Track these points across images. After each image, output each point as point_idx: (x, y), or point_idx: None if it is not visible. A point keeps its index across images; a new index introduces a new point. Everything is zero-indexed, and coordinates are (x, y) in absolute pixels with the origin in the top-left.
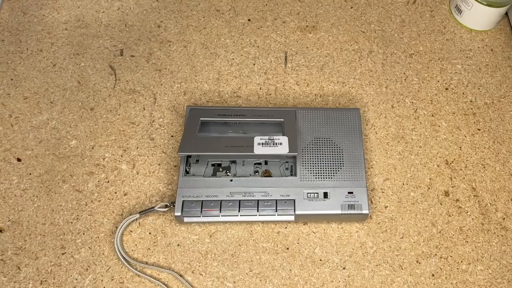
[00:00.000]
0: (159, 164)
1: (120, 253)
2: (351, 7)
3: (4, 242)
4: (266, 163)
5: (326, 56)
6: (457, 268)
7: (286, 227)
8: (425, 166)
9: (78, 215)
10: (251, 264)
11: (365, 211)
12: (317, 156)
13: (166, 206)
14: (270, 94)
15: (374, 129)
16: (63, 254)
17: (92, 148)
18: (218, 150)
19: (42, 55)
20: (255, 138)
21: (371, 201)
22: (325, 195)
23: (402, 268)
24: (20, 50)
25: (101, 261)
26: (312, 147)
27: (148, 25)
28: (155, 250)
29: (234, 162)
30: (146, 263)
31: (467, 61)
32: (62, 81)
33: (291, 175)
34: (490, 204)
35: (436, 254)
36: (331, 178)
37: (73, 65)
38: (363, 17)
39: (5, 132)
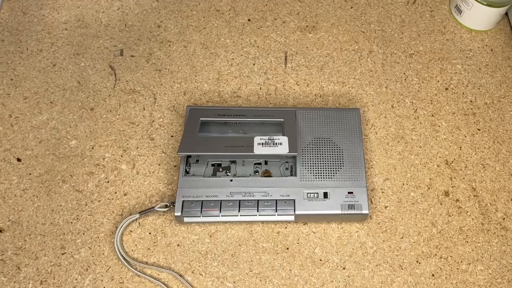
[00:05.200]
0: (159, 164)
1: (120, 253)
2: (351, 7)
3: (4, 242)
4: (266, 163)
5: (326, 56)
6: (457, 268)
7: (286, 227)
8: (425, 166)
9: (78, 215)
10: (251, 264)
11: (365, 211)
12: (317, 156)
13: (166, 206)
14: (270, 94)
15: (374, 129)
16: (63, 254)
17: (92, 148)
18: (218, 150)
19: (42, 55)
20: (255, 138)
21: (371, 201)
22: (325, 195)
23: (402, 268)
24: (20, 50)
25: (101, 261)
26: (312, 147)
27: (148, 25)
28: (155, 250)
29: (234, 162)
30: (146, 263)
31: (467, 61)
32: (62, 81)
33: (291, 175)
34: (490, 204)
35: (436, 254)
36: (331, 178)
37: (73, 65)
38: (363, 17)
39: (5, 132)
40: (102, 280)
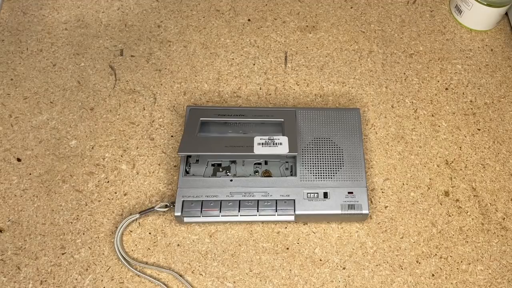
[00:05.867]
0: (159, 164)
1: (120, 253)
2: (351, 7)
3: (4, 242)
4: (266, 163)
5: (326, 56)
6: (457, 268)
7: (286, 227)
8: (425, 166)
9: (78, 215)
10: (251, 264)
11: (365, 211)
12: (317, 156)
13: (166, 206)
14: (270, 94)
15: (374, 129)
16: (63, 254)
17: (92, 148)
18: (218, 150)
19: (42, 55)
20: (255, 138)
21: (371, 201)
22: (325, 195)
23: (402, 268)
24: (20, 50)
25: (101, 261)
26: (312, 147)
27: (148, 25)
28: (155, 250)
29: (234, 162)
30: (146, 263)
31: (467, 61)
32: (62, 81)
33: (291, 175)
34: (490, 204)
35: (436, 254)
36: (331, 178)
37: (73, 65)
38: (363, 17)
39: (5, 132)
40: (102, 280)
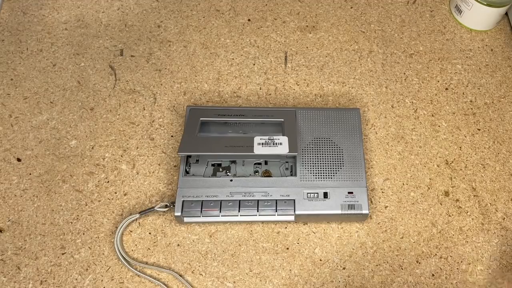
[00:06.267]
0: (159, 164)
1: (120, 253)
2: (351, 7)
3: (4, 242)
4: (266, 163)
5: (326, 56)
6: (457, 268)
7: (286, 227)
8: (425, 166)
9: (78, 215)
10: (251, 264)
11: (365, 211)
12: (317, 156)
13: (166, 206)
14: (270, 94)
15: (374, 129)
16: (63, 254)
17: (92, 148)
18: (218, 150)
19: (42, 55)
20: (255, 138)
21: (371, 201)
22: (325, 195)
23: (402, 268)
24: (20, 50)
25: (101, 261)
26: (312, 147)
27: (148, 25)
28: (155, 250)
29: (234, 162)
30: (146, 263)
31: (467, 61)
32: (62, 81)
33: (291, 175)
34: (490, 204)
35: (436, 254)
36: (331, 178)
37: (73, 65)
38: (363, 17)
39: (5, 132)
40: (102, 280)
